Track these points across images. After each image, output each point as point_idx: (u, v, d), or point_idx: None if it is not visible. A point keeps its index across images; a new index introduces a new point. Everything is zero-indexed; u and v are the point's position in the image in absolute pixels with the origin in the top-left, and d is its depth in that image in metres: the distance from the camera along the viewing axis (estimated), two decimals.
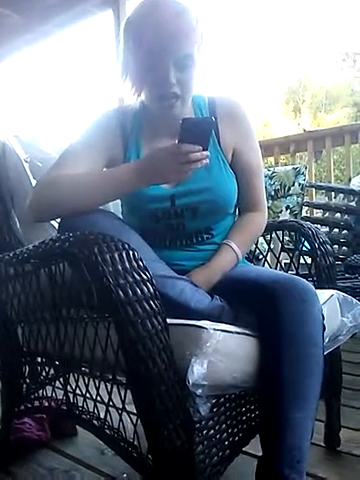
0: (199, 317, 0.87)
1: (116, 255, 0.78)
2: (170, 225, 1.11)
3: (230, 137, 1.14)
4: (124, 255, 0.79)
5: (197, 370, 0.77)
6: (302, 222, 1.38)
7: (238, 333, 0.87)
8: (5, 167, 1.30)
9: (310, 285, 0.92)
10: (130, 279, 0.77)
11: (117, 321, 0.76)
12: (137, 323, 0.74)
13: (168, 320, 0.79)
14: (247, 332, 0.89)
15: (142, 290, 0.77)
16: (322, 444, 1.33)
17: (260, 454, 0.89)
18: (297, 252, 1.41)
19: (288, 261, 1.46)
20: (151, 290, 0.78)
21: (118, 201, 1.20)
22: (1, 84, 5.64)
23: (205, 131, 0.92)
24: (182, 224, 1.11)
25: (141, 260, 0.80)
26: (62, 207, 1.00)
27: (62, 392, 1.07)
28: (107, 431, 0.96)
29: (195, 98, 1.15)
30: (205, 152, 0.92)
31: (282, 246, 1.45)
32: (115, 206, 1.27)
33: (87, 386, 0.99)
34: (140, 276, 0.78)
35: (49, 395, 1.18)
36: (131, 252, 0.80)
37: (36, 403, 1.23)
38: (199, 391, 0.78)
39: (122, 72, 1.09)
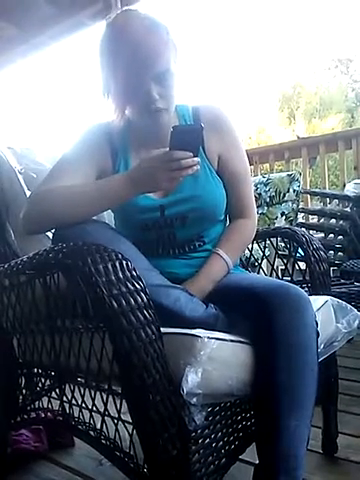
0: (194, 325, 0.87)
1: (109, 265, 0.78)
2: (161, 235, 1.12)
3: (215, 145, 1.15)
4: (117, 265, 0.79)
5: (191, 379, 0.77)
6: (296, 229, 1.38)
7: (233, 341, 0.88)
8: None
9: (303, 292, 0.93)
10: (123, 289, 0.77)
11: (111, 331, 0.76)
12: (131, 333, 0.75)
13: (162, 329, 0.80)
14: (242, 340, 0.89)
15: (136, 300, 0.77)
16: (320, 451, 1.33)
17: (256, 462, 0.89)
18: (291, 258, 1.42)
19: (283, 267, 1.46)
20: (145, 299, 0.79)
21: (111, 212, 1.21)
22: None
23: (195, 138, 0.93)
24: (173, 233, 1.12)
25: (134, 270, 0.81)
26: (56, 218, 1.00)
27: (58, 403, 1.07)
28: (103, 441, 0.96)
29: (179, 108, 1.16)
30: (196, 158, 0.93)
31: (276, 253, 1.46)
32: (109, 217, 1.28)
33: (83, 396, 0.99)
34: (133, 286, 0.79)
35: (45, 406, 1.17)
36: (124, 262, 0.80)
37: (33, 414, 1.22)
38: (194, 400, 0.77)
39: (103, 91, 1.09)
